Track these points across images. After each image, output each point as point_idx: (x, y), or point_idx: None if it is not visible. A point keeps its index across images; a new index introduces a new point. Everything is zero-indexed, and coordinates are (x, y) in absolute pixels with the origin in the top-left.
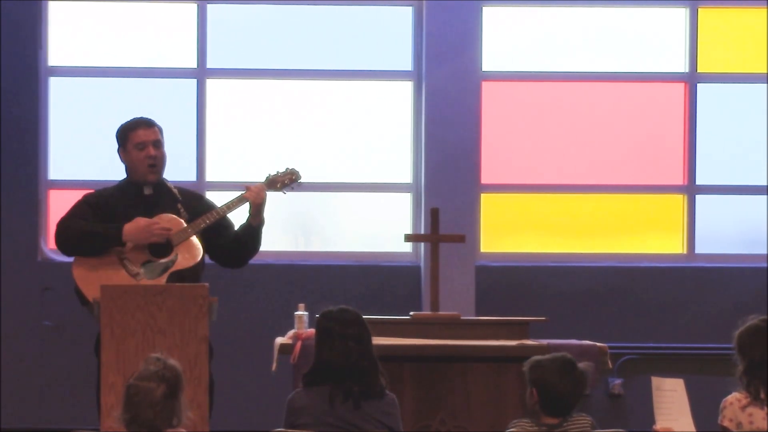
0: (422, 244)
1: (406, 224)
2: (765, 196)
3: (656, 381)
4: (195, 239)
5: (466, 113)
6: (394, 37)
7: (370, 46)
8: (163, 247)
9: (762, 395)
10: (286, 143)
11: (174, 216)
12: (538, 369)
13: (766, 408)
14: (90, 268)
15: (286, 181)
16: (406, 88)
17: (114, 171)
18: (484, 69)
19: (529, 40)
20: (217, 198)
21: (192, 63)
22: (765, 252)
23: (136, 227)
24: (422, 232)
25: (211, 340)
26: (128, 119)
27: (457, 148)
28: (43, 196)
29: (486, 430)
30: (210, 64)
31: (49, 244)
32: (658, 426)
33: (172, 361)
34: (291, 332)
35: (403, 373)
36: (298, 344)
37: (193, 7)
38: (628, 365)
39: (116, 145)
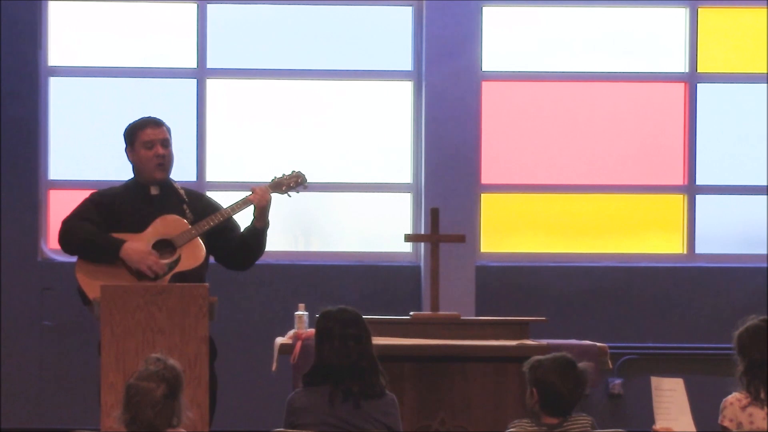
0: (422, 244)
1: (406, 224)
2: (765, 196)
3: (655, 381)
4: (199, 241)
5: (466, 113)
6: (394, 37)
7: (370, 46)
8: (166, 249)
9: (762, 395)
10: (286, 143)
11: (178, 217)
12: (538, 369)
13: (766, 408)
14: (93, 268)
15: (292, 183)
16: (406, 88)
17: (114, 171)
18: (484, 69)
19: (529, 40)
20: (218, 198)
21: (192, 63)
22: (765, 252)
23: (134, 251)
24: (422, 232)
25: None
26: (136, 118)
27: (457, 148)
28: (43, 196)
29: (486, 430)
30: (210, 64)
31: (49, 244)
32: (657, 426)
33: (172, 361)
34: (291, 332)
35: (403, 373)
36: (298, 344)
37: (193, 7)
38: (628, 365)
39: (123, 145)
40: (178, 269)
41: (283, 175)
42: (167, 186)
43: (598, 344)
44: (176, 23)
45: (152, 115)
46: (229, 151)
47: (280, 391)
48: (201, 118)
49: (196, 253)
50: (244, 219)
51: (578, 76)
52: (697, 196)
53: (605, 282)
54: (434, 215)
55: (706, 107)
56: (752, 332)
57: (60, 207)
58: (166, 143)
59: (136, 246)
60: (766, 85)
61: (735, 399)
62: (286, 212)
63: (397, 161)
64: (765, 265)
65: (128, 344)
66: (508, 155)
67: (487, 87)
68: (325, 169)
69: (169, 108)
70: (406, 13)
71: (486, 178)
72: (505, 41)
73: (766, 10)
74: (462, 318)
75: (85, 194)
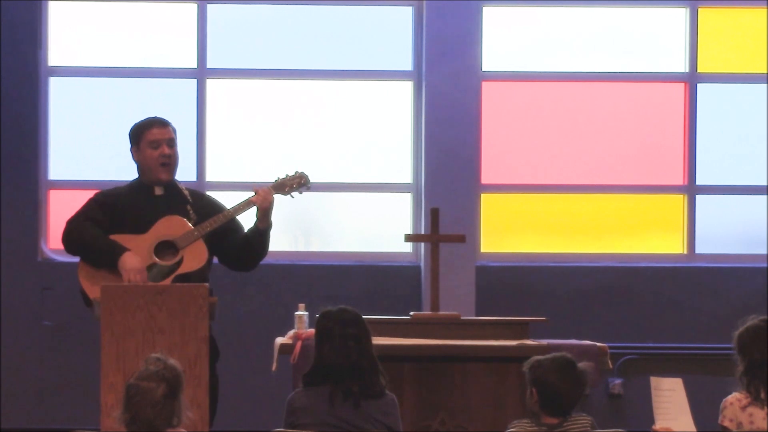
0: (422, 244)
1: (406, 224)
2: (765, 196)
3: (655, 381)
4: (201, 242)
5: (466, 113)
6: (394, 37)
7: (370, 46)
8: (169, 250)
9: (762, 395)
10: (286, 143)
11: (181, 218)
12: (538, 369)
13: (766, 408)
14: (95, 269)
15: (295, 184)
16: (406, 88)
17: (114, 171)
18: (484, 69)
19: (529, 40)
20: (219, 199)
21: (192, 63)
22: (765, 252)
23: (128, 264)
24: (422, 232)
25: (215, 340)
26: (142, 118)
27: (457, 148)
28: (43, 196)
29: (486, 430)
30: (210, 64)
31: (50, 244)
32: (657, 426)
33: (173, 361)
34: (291, 332)
35: (403, 373)
36: (298, 344)
37: (193, 7)
38: (628, 365)
39: (128, 144)
40: (180, 271)
41: (287, 176)
42: (172, 186)
43: (598, 344)
44: (176, 23)
45: (157, 115)
46: (229, 151)
47: (280, 391)
48: (201, 118)
49: (198, 254)
50: (247, 220)
51: (578, 76)
52: (697, 196)
53: (605, 282)
54: (434, 215)
55: (706, 107)
56: (752, 332)
57: (60, 207)
58: (171, 143)
59: (132, 262)
60: (766, 85)
61: (735, 399)
62: (287, 212)
63: (397, 161)
64: (765, 265)
65: (128, 344)
66: (508, 155)
67: (487, 87)
68: (325, 169)
69: (169, 108)
70: (406, 13)
71: (486, 178)
72: (505, 41)
73: (766, 10)
74: (462, 318)
75: (85, 194)
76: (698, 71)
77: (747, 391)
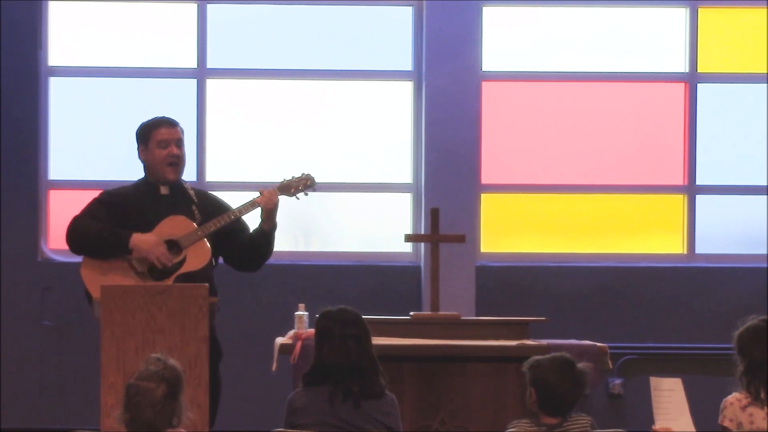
0: (422, 244)
1: (406, 224)
2: (765, 196)
3: (654, 381)
4: (205, 242)
5: (466, 113)
6: (394, 37)
7: (370, 46)
8: (172, 249)
9: (762, 395)
10: (286, 143)
11: (185, 218)
12: (537, 369)
13: (766, 408)
14: (98, 267)
15: (300, 186)
16: (406, 88)
17: (114, 171)
18: (484, 69)
19: (529, 40)
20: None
21: (192, 63)
22: (765, 252)
23: (145, 241)
24: (422, 232)
25: (218, 341)
26: (150, 118)
27: (457, 148)
28: (43, 196)
29: (486, 430)
30: (210, 64)
31: (50, 244)
32: (657, 426)
33: (173, 362)
34: (291, 332)
35: (403, 373)
36: (298, 344)
37: (193, 7)
38: (628, 365)
39: (135, 143)
40: (183, 270)
41: (292, 177)
42: (177, 186)
43: (598, 344)
44: (176, 23)
45: (165, 115)
46: (229, 151)
47: (280, 391)
48: (201, 118)
49: (201, 254)
50: (252, 220)
51: (578, 76)
52: (697, 196)
53: (605, 282)
54: (434, 215)
55: (706, 107)
56: (752, 332)
57: (60, 207)
58: (180, 143)
59: (146, 237)
60: (766, 85)
61: (735, 399)
62: (287, 212)
63: (397, 161)
64: (765, 265)
65: (128, 344)
66: (508, 155)
67: (487, 87)
68: (325, 169)
69: (169, 108)
70: (406, 13)
71: (486, 178)
72: (505, 41)
73: (766, 10)
74: (462, 318)
75: (85, 194)
76: (698, 71)
77: (747, 391)
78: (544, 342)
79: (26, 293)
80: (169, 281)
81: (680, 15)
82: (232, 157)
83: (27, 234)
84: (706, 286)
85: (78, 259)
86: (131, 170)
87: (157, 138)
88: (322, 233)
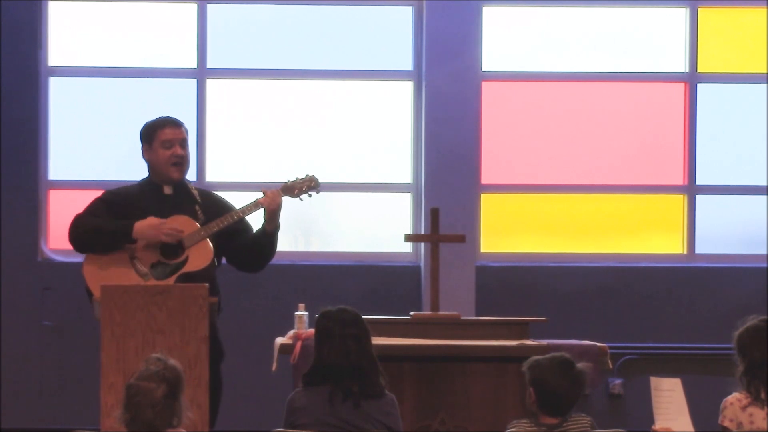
0: (422, 244)
1: (406, 224)
2: (765, 196)
3: (654, 381)
4: (207, 242)
5: (466, 113)
6: (394, 37)
7: (370, 46)
8: (174, 249)
9: (762, 395)
10: (286, 143)
11: (188, 217)
12: (536, 369)
13: (766, 408)
14: (100, 266)
15: (304, 187)
16: (406, 88)
17: (114, 171)
18: (484, 69)
19: (529, 40)
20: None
21: (192, 63)
22: (765, 252)
23: (147, 225)
24: (422, 232)
25: (221, 342)
26: (154, 118)
27: (457, 148)
28: (43, 196)
29: (486, 430)
30: (210, 64)
31: (50, 244)
32: (657, 426)
33: (173, 362)
34: (291, 332)
35: (403, 373)
36: (298, 344)
37: (193, 7)
38: (628, 365)
39: (139, 143)
40: (185, 270)
41: (296, 178)
42: (181, 186)
43: (598, 344)
44: (176, 23)
45: (169, 115)
46: (229, 151)
47: (280, 391)
48: (201, 118)
49: (203, 254)
50: (255, 221)
51: (578, 76)
52: (697, 196)
53: (605, 282)
54: (434, 215)
55: (706, 107)
56: (752, 332)
57: (60, 207)
58: (184, 144)
59: (147, 222)
60: (766, 85)
61: (735, 399)
62: (287, 212)
63: (397, 161)
64: (765, 265)
65: (128, 344)
66: (508, 155)
67: (487, 87)
68: (325, 169)
69: (169, 108)
70: (406, 13)
71: (486, 178)
72: (505, 41)
73: (766, 10)
74: (462, 318)
75: (85, 194)
76: (698, 71)
77: (747, 391)
78: (544, 342)
79: (26, 293)
80: (171, 281)
81: (680, 15)
82: (232, 157)
83: (27, 234)
84: (706, 286)
85: (78, 259)
86: (131, 170)
87: (161, 138)
88: (322, 233)
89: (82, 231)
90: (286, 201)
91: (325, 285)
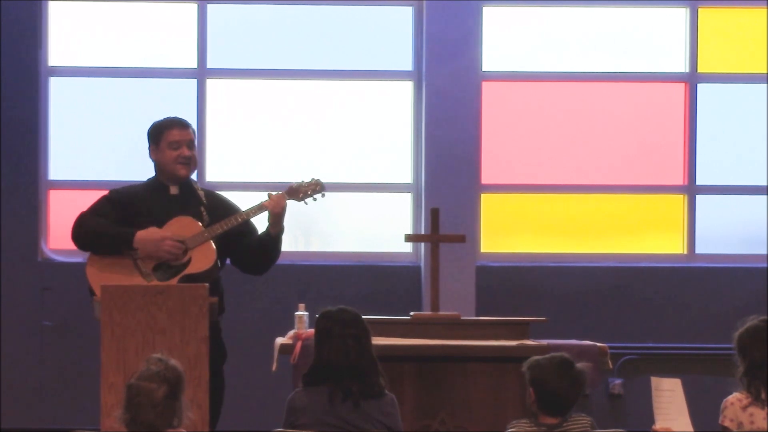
0: (422, 244)
1: (406, 224)
2: (765, 196)
3: (655, 381)
4: (211, 244)
5: (466, 113)
6: (394, 37)
7: (370, 46)
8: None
9: (763, 396)
10: (286, 143)
11: (192, 218)
12: (535, 369)
13: (766, 408)
14: (103, 267)
15: (309, 191)
16: (406, 88)
17: (114, 171)
18: (484, 69)
19: (529, 40)
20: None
21: (192, 63)
22: (765, 252)
23: (149, 237)
24: (422, 232)
25: (224, 343)
26: (162, 118)
27: (457, 148)
28: (43, 196)
29: (486, 430)
30: (210, 64)
31: (50, 244)
32: (657, 426)
33: (174, 362)
34: (291, 332)
35: (403, 373)
36: (298, 344)
37: (193, 7)
38: (628, 365)
39: (147, 143)
40: (188, 271)
41: (302, 182)
42: (187, 186)
43: (598, 344)
44: (176, 23)
45: (177, 116)
46: (229, 151)
47: (280, 391)
48: (201, 118)
49: (206, 256)
50: (260, 223)
51: (578, 76)
52: (697, 196)
53: (605, 282)
54: (434, 215)
55: (706, 107)
56: (752, 332)
57: (60, 207)
58: (191, 145)
59: (149, 234)
60: (766, 85)
61: (736, 399)
62: (287, 212)
63: (397, 161)
64: (765, 265)
65: (128, 344)
66: (508, 155)
67: (487, 87)
68: (326, 169)
69: (169, 108)
70: (406, 13)
71: (486, 178)
72: (505, 41)
73: (766, 10)
74: (462, 318)
75: (85, 194)
76: (698, 71)
77: (747, 391)
78: (544, 342)
79: (26, 293)
80: (174, 282)
81: (680, 15)
82: (232, 157)
83: (27, 234)
84: (706, 286)
85: (78, 259)
86: (132, 170)
87: (168, 139)
88: (322, 233)
89: (84, 231)
90: (288, 202)
91: (325, 285)
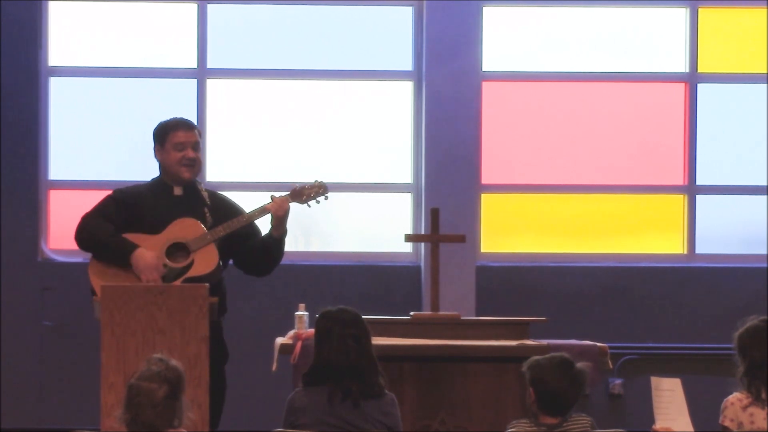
0: (422, 244)
1: (406, 224)
2: (765, 196)
3: (655, 381)
4: (213, 247)
5: (466, 113)
6: (394, 37)
7: (370, 46)
8: (180, 253)
9: (763, 396)
10: (286, 143)
11: (196, 221)
12: (535, 369)
13: (767, 408)
14: (105, 267)
15: (313, 194)
16: (406, 88)
17: (114, 171)
18: (484, 69)
19: (529, 40)
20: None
21: (192, 63)
22: (765, 252)
23: (144, 263)
24: (422, 232)
25: (225, 343)
26: (167, 118)
27: (457, 148)
28: (43, 196)
29: (486, 430)
30: (210, 64)
31: (50, 244)
32: (657, 426)
33: (174, 362)
34: (291, 332)
35: (403, 373)
36: (298, 344)
37: (193, 7)
38: (628, 365)
39: (153, 143)
40: (190, 274)
41: (305, 185)
42: (192, 188)
43: (598, 344)
44: (176, 23)
45: (183, 117)
46: (229, 151)
47: (280, 391)
48: (201, 118)
49: (209, 258)
50: (262, 225)
51: (578, 76)
52: (697, 196)
53: (605, 282)
54: (434, 215)
55: (706, 107)
56: (752, 332)
57: (60, 207)
58: (196, 147)
59: (146, 258)
60: (766, 85)
61: (736, 399)
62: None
63: (397, 161)
64: (765, 265)
65: (128, 344)
66: (508, 155)
67: (487, 87)
68: (325, 169)
69: (169, 108)
70: (406, 13)
71: (486, 178)
72: (505, 41)
73: (766, 10)
74: (462, 318)
75: (85, 194)
76: (698, 71)
77: (748, 391)
78: (544, 342)
79: (26, 293)
80: (176, 284)
81: (680, 15)
82: (232, 157)
83: (27, 234)
84: (706, 286)
85: (78, 259)
86: (132, 170)
87: (173, 140)
88: (322, 233)
89: (86, 236)
90: (291, 204)
91: (325, 285)
